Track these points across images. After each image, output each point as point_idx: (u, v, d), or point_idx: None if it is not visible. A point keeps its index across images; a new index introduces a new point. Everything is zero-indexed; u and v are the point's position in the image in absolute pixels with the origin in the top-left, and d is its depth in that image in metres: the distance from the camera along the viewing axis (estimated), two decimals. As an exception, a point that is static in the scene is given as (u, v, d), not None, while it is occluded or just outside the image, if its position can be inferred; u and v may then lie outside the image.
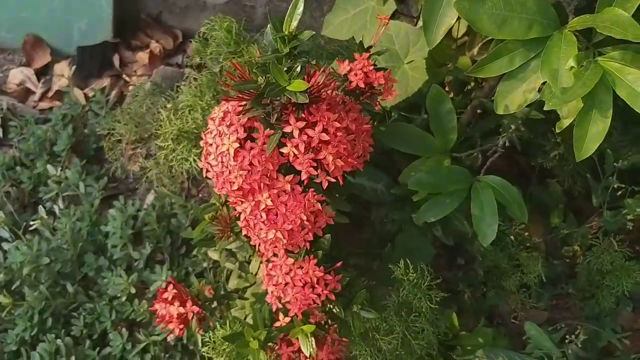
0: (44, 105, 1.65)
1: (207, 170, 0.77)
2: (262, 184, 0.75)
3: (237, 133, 0.73)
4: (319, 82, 0.70)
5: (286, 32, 0.65)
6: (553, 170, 1.46)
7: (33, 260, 1.24)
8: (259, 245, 0.85)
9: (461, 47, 1.38)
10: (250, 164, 0.73)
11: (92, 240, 1.33)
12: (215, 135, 0.75)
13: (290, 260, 0.85)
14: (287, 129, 0.70)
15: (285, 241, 0.77)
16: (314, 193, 0.76)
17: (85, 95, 1.61)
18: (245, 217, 0.78)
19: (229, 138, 0.73)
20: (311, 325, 0.86)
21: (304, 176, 0.72)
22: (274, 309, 0.88)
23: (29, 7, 1.64)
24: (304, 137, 0.69)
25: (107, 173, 1.46)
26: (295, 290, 0.85)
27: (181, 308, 0.93)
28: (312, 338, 0.87)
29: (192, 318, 0.94)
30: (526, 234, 1.39)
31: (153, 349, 1.20)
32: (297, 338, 0.87)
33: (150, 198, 1.41)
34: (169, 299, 0.94)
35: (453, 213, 1.05)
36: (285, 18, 0.66)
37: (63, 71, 1.68)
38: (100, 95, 1.57)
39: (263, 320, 0.94)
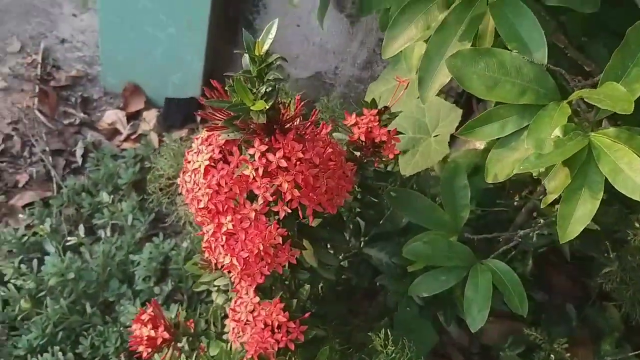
0: (126, 145, 1.78)
1: (182, 186, 0.79)
2: (226, 207, 0.75)
3: (213, 152, 0.75)
4: (289, 112, 0.71)
5: (257, 54, 0.68)
6: (612, 294, 1.35)
7: (61, 273, 1.30)
8: (235, 280, 0.85)
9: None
10: (218, 184, 0.74)
11: (123, 269, 1.38)
12: (195, 152, 0.77)
13: (257, 299, 0.84)
14: (250, 151, 0.71)
15: (239, 269, 0.76)
16: (277, 225, 0.76)
17: (161, 141, 1.73)
18: (208, 239, 0.78)
19: (203, 156, 0.75)
20: (260, 370, 0.82)
21: (260, 201, 0.72)
22: (233, 347, 0.86)
23: (135, 58, 1.82)
24: (263, 161, 0.70)
25: (158, 213, 1.54)
26: (254, 330, 0.82)
27: (152, 331, 0.94)
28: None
29: (161, 344, 0.94)
30: (568, 354, 1.27)
31: (144, 383, 1.20)
32: (248, 383, 0.83)
33: (188, 241, 1.45)
34: (145, 320, 0.94)
35: (458, 297, 1.00)
36: (258, 41, 0.68)
37: (150, 119, 1.82)
38: (171, 142, 1.67)
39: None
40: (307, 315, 0.85)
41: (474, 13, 0.77)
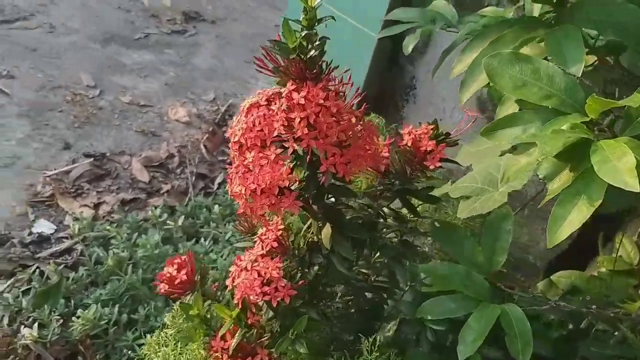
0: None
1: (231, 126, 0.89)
2: (254, 144, 0.83)
3: (260, 99, 0.85)
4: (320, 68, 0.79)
5: (309, 5, 0.78)
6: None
7: (151, 249, 1.44)
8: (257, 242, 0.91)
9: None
10: (253, 122, 0.83)
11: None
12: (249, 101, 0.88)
13: (262, 252, 0.88)
14: (282, 90, 0.79)
15: (245, 198, 0.82)
16: (289, 171, 0.81)
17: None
18: (231, 171, 0.86)
19: (251, 100, 0.86)
20: (236, 310, 0.84)
21: (274, 132, 0.79)
22: (227, 290, 0.90)
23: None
24: (289, 97, 0.78)
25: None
26: (247, 276, 0.86)
27: (175, 272, 1.01)
28: (236, 333, 0.85)
29: (178, 285, 1.00)
30: None
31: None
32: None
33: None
34: (175, 263, 1.02)
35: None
36: (312, -5, 0.79)
37: (288, 174, 1.99)
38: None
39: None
40: (301, 282, 0.86)
41: (528, 36, 0.81)
